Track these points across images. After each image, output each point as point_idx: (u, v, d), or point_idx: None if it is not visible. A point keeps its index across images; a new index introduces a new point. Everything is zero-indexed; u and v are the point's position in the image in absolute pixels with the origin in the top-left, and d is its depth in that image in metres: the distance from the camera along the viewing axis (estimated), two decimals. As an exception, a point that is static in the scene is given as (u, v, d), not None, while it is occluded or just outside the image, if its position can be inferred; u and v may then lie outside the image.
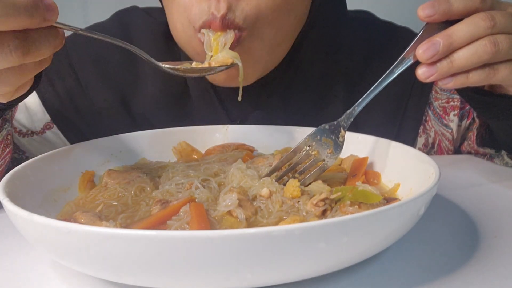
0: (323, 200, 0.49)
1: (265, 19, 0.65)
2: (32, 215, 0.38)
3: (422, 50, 0.51)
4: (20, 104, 0.81)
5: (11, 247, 0.51)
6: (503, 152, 0.78)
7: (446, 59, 0.51)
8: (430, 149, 0.90)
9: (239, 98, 0.66)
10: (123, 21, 0.86)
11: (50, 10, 0.42)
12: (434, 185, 0.45)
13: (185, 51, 0.74)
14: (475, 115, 0.85)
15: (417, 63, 0.52)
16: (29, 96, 0.80)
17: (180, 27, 0.68)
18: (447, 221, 0.57)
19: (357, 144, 0.66)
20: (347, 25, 0.86)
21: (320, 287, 0.42)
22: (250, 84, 0.74)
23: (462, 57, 0.51)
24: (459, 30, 0.50)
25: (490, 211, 0.59)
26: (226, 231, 0.35)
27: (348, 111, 0.58)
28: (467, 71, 0.52)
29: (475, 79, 0.52)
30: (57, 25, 0.44)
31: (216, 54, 0.63)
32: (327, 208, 0.49)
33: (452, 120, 0.85)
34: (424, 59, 0.51)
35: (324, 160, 0.58)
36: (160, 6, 0.75)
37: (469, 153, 0.88)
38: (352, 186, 0.53)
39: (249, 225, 0.48)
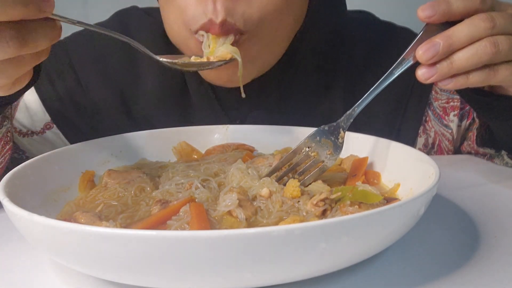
0: (323, 200, 0.49)
1: (266, 22, 0.65)
2: (32, 215, 0.38)
3: (422, 51, 0.51)
4: (20, 104, 0.81)
5: (11, 247, 0.51)
6: (503, 152, 0.78)
7: (446, 60, 0.51)
8: (430, 149, 0.90)
9: (243, 95, 0.65)
10: (123, 21, 0.86)
11: (46, 0, 0.42)
12: (434, 185, 0.45)
13: (182, 51, 0.74)
14: (475, 115, 0.85)
15: (417, 64, 0.52)
16: (29, 96, 0.81)
17: (176, 28, 0.68)
18: (447, 221, 0.57)
19: (357, 144, 0.66)
20: (346, 25, 0.86)
21: (320, 287, 0.42)
22: (249, 85, 0.74)
23: (462, 58, 0.50)
24: (459, 31, 0.50)
25: (490, 211, 0.59)
26: (226, 231, 0.35)
27: (348, 112, 0.58)
28: (467, 72, 0.52)
29: (475, 80, 0.52)
30: (54, 17, 0.44)
31: (213, 53, 0.63)
32: (327, 208, 0.49)
33: (452, 120, 0.85)
34: (424, 60, 0.51)
35: (323, 161, 0.58)
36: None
37: (469, 153, 0.88)
38: (352, 186, 0.53)
39: (249, 225, 0.48)
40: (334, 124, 0.58)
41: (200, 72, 0.73)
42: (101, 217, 0.48)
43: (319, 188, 0.55)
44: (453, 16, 0.51)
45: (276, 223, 0.48)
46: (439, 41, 0.50)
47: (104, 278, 0.42)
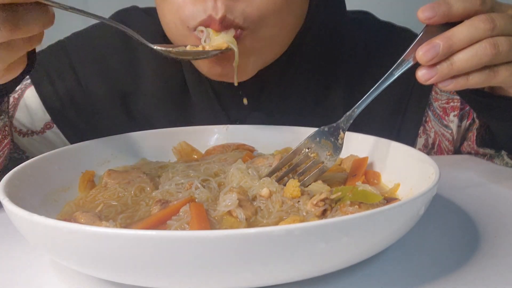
0: (323, 200, 0.49)
1: (266, 20, 0.65)
2: (32, 215, 0.38)
3: (422, 52, 0.51)
4: (21, 103, 0.81)
5: (11, 247, 0.51)
6: (503, 152, 0.78)
7: (446, 61, 0.51)
8: (430, 150, 0.90)
9: (235, 83, 0.65)
10: (123, 21, 0.86)
11: None
12: (434, 185, 0.45)
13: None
14: (475, 115, 0.85)
15: (417, 65, 0.52)
16: (30, 96, 0.81)
17: (173, 26, 0.68)
18: (447, 221, 0.57)
19: (357, 144, 0.66)
20: (346, 26, 0.86)
21: (320, 287, 0.42)
22: (249, 85, 0.74)
23: (462, 59, 0.51)
24: (459, 32, 0.50)
25: (490, 211, 0.59)
26: (226, 231, 0.34)
27: (348, 113, 0.58)
28: (467, 73, 0.52)
29: (475, 81, 0.52)
30: (45, 2, 0.44)
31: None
32: (327, 208, 0.49)
33: (452, 120, 0.85)
34: (424, 61, 0.51)
35: (323, 162, 0.58)
36: (159, 6, 0.75)
37: (469, 153, 0.88)
38: (352, 186, 0.53)
39: (249, 225, 0.48)
40: (334, 125, 0.58)
41: (197, 66, 0.73)
42: (101, 217, 0.48)
43: (319, 188, 0.55)
44: (453, 17, 0.51)
45: (276, 223, 0.48)
46: (439, 42, 0.50)
47: (104, 278, 0.42)
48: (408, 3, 1.23)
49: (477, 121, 0.84)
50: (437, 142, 0.89)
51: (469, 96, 0.66)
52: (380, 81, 0.55)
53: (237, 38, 0.63)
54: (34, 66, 0.55)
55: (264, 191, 0.52)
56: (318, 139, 0.58)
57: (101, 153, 0.66)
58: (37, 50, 0.60)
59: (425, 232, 0.53)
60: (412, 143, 0.88)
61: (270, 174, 0.58)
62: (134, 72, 0.84)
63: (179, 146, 0.73)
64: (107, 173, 0.61)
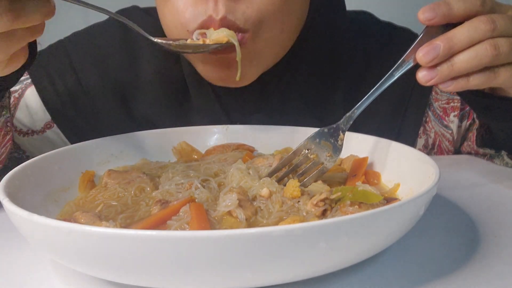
0: (323, 200, 0.49)
1: (266, 22, 0.65)
2: (32, 215, 0.38)
3: (422, 54, 0.50)
4: (21, 103, 0.81)
5: (11, 247, 0.51)
6: (503, 152, 0.78)
7: (447, 63, 0.51)
8: (430, 150, 0.90)
9: (237, 78, 0.65)
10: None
11: None
12: (434, 185, 0.45)
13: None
14: (475, 116, 0.85)
15: (417, 66, 0.52)
16: (30, 95, 0.81)
17: (173, 28, 0.68)
18: (447, 221, 0.57)
19: (357, 144, 0.66)
20: (346, 26, 0.86)
21: (320, 287, 0.42)
22: (250, 88, 0.74)
23: (462, 60, 0.50)
24: (460, 34, 0.50)
25: (490, 211, 0.59)
26: (226, 231, 0.34)
27: (347, 114, 0.57)
28: (467, 74, 0.52)
29: (476, 82, 0.52)
30: None
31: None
32: (327, 208, 0.49)
33: (452, 121, 0.85)
34: (424, 62, 0.51)
35: (323, 163, 0.58)
36: (160, 6, 0.75)
37: (469, 153, 0.88)
38: (352, 186, 0.53)
39: (249, 225, 0.48)
40: (334, 126, 0.58)
41: (199, 71, 0.73)
42: (101, 217, 0.48)
43: (319, 188, 0.55)
44: (454, 18, 0.51)
45: (276, 223, 0.48)
46: (440, 43, 0.50)
47: (104, 278, 0.42)
48: (408, 3, 1.23)
49: (477, 121, 0.83)
50: (437, 143, 0.89)
51: (470, 97, 0.66)
52: (380, 82, 0.55)
53: (240, 42, 0.64)
54: (35, 59, 0.55)
55: (264, 191, 0.52)
56: (318, 140, 0.58)
57: (101, 153, 0.66)
58: (37, 50, 0.60)
59: (425, 232, 0.53)
60: (412, 143, 0.88)
61: (270, 175, 0.58)
62: (134, 72, 0.84)
63: (179, 146, 0.73)
64: (107, 173, 0.61)
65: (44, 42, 0.86)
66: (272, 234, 0.35)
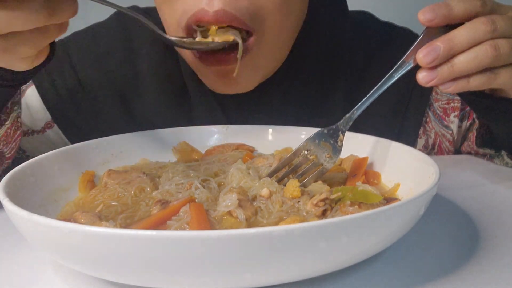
0: (323, 200, 0.49)
1: (269, 21, 0.65)
2: (32, 215, 0.38)
3: (423, 55, 0.50)
4: (22, 102, 0.81)
5: (11, 247, 0.51)
6: (503, 152, 0.78)
7: (447, 64, 0.51)
8: (430, 151, 0.90)
9: (234, 74, 0.66)
10: (123, 20, 0.87)
11: None
12: (434, 185, 0.45)
13: (180, 53, 0.74)
14: (475, 116, 0.85)
15: (417, 66, 0.52)
16: (30, 95, 0.81)
17: (172, 30, 0.68)
18: (447, 221, 0.57)
19: (357, 144, 0.66)
20: (347, 26, 0.86)
21: (320, 287, 0.42)
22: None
23: (462, 61, 0.50)
24: (460, 35, 0.50)
25: (490, 211, 0.59)
26: (226, 231, 0.34)
27: (347, 115, 0.57)
28: (468, 75, 0.52)
29: (476, 83, 0.52)
30: None
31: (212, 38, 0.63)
32: (327, 208, 0.49)
33: (453, 121, 0.85)
34: (425, 63, 0.51)
35: (322, 164, 0.58)
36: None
37: (469, 153, 0.88)
38: (352, 186, 0.53)
39: (249, 225, 0.48)
40: (333, 127, 0.58)
41: (203, 80, 0.74)
42: (101, 217, 0.48)
43: (319, 188, 0.55)
44: (454, 20, 0.51)
45: (276, 223, 0.48)
46: (440, 44, 0.50)
47: (104, 278, 0.42)
48: (408, 3, 1.23)
49: (477, 121, 0.83)
50: (437, 143, 0.89)
51: (470, 98, 0.66)
52: (379, 83, 0.55)
53: (245, 48, 0.64)
54: (54, 56, 0.57)
55: (264, 191, 0.52)
56: (317, 141, 0.58)
57: (101, 153, 0.66)
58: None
59: (425, 232, 0.53)
60: (412, 143, 0.88)
61: (270, 175, 0.58)
62: (134, 72, 0.84)
63: (179, 146, 0.73)
64: (107, 173, 0.61)
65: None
66: (272, 234, 0.35)
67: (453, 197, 0.64)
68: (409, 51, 0.53)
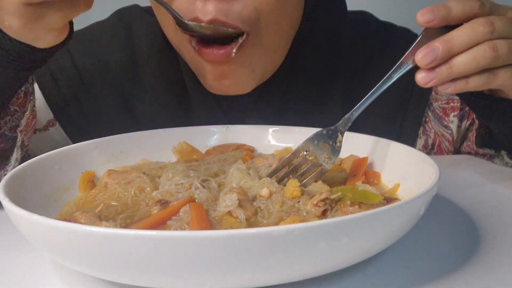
0: (323, 200, 0.49)
1: (264, 23, 0.65)
2: (32, 215, 0.38)
3: (421, 56, 0.50)
4: None
5: (11, 247, 0.51)
6: (503, 152, 0.78)
7: (446, 65, 0.51)
8: (430, 150, 0.90)
9: (232, 55, 0.66)
10: (124, 19, 0.87)
11: None
12: (434, 185, 0.45)
13: (181, 54, 0.74)
14: (474, 116, 0.85)
15: (416, 67, 0.52)
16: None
17: (169, 32, 0.68)
18: (447, 221, 0.57)
19: (357, 144, 0.66)
20: (346, 27, 0.86)
21: (320, 287, 0.42)
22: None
23: (461, 62, 0.50)
24: (458, 36, 0.50)
25: (490, 211, 0.59)
26: (226, 231, 0.34)
27: (346, 116, 0.57)
28: (466, 76, 0.52)
29: (475, 84, 0.52)
30: None
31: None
32: (327, 208, 0.49)
33: (452, 121, 0.85)
34: (423, 64, 0.51)
35: (321, 165, 0.58)
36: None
37: (469, 153, 0.88)
38: (352, 186, 0.53)
39: (249, 225, 0.48)
40: (332, 128, 0.58)
41: (202, 82, 0.74)
42: (101, 217, 0.48)
43: (319, 188, 0.55)
44: (452, 21, 0.51)
45: (276, 223, 0.48)
46: (438, 45, 0.50)
47: (104, 278, 0.42)
48: (408, 3, 1.23)
49: (477, 121, 0.83)
50: (437, 143, 0.89)
51: (469, 98, 0.66)
52: (378, 84, 0.55)
53: (240, 47, 0.64)
54: (72, 37, 0.59)
55: (264, 191, 0.52)
56: (316, 141, 0.58)
57: (101, 153, 0.66)
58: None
59: (425, 232, 0.53)
60: (412, 143, 0.88)
61: (270, 175, 0.58)
62: (134, 72, 0.85)
63: (179, 146, 0.73)
64: (107, 173, 0.61)
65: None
66: (272, 234, 0.35)
67: (453, 197, 0.64)
68: (407, 52, 0.53)
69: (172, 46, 0.75)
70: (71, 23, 0.58)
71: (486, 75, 0.52)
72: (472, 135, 0.85)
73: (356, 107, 0.57)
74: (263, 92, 0.81)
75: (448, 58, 0.51)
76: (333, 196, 0.50)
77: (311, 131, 0.60)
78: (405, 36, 0.88)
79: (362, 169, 0.61)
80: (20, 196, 0.48)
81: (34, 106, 0.69)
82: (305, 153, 0.58)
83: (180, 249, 0.34)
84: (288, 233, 0.35)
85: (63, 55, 0.83)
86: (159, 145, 0.72)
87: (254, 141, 0.74)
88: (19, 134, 0.65)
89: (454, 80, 0.52)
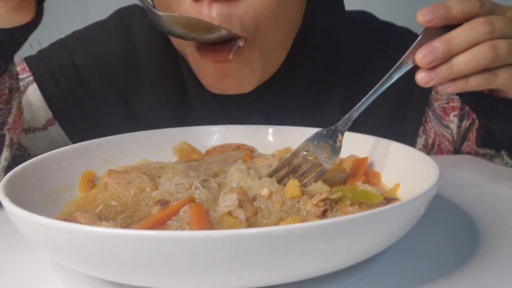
0: (323, 200, 0.49)
1: (264, 27, 0.65)
2: (32, 215, 0.38)
3: (421, 55, 0.50)
4: (23, 100, 0.81)
5: (11, 247, 0.51)
6: (503, 152, 0.78)
7: (446, 64, 0.51)
8: (430, 150, 0.90)
9: (230, 57, 0.65)
10: (123, 19, 0.87)
11: None
12: (434, 185, 0.45)
13: (183, 54, 0.74)
14: (475, 116, 0.85)
15: (417, 67, 0.52)
16: (32, 93, 0.81)
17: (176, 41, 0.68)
18: (447, 221, 0.57)
19: (357, 144, 0.66)
20: (346, 26, 0.86)
21: (320, 287, 0.42)
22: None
23: (461, 62, 0.50)
24: (458, 35, 0.50)
25: (490, 211, 0.59)
26: (226, 231, 0.34)
27: (346, 116, 0.57)
28: (466, 76, 0.52)
29: (475, 84, 0.52)
30: None
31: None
32: (327, 208, 0.49)
33: (452, 121, 0.85)
34: (423, 64, 0.51)
35: (321, 165, 0.58)
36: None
37: (469, 153, 0.88)
38: (352, 186, 0.53)
39: (249, 225, 0.48)
40: (332, 127, 0.58)
41: (201, 81, 0.74)
42: (101, 217, 0.48)
43: (319, 188, 0.55)
44: (452, 20, 0.51)
45: (276, 223, 0.48)
46: (439, 45, 0.50)
47: (104, 278, 0.42)
48: (408, 3, 1.23)
49: (477, 121, 0.83)
50: (437, 142, 0.89)
51: (469, 98, 0.66)
52: (378, 84, 0.55)
53: (238, 49, 0.64)
54: (40, 23, 0.57)
55: (264, 191, 0.52)
56: (316, 141, 0.58)
57: (101, 153, 0.66)
58: (38, 49, 0.60)
59: (425, 232, 0.53)
60: (412, 143, 0.88)
61: (270, 175, 0.58)
62: (134, 70, 0.85)
63: (179, 146, 0.73)
64: (107, 173, 0.60)
65: (44, 41, 0.86)
66: (272, 234, 0.35)
67: (453, 197, 0.64)
68: (407, 52, 0.53)
69: (172, 46, 0.75)
70: (41, 10, 0.55)
71: (486, 75, 0.52)
72: (472, 135, 0.85)
73: (356, 107, 0.57)
74: (263, 92, 0.81)
75: (448, 58, 0.51)
76: (333, 196, 0.50)
77: (311, 131, 0.60)
78: (405, 36, 0.88)
79: (362, 169, 0.61)
80: (20, 196, 0.48)
81: (20, 103, 0.68)
82: (305, 153, 0.58)
83: (180, 249, 0.34)
84: (288, 233, 0.35)
85: (62, 54, 0.83)
86: (159, 145, 0.72)
87: (254, 141, 0.74)
88: (7, 133, 0.64)
89: (454, 80, 0.52)
